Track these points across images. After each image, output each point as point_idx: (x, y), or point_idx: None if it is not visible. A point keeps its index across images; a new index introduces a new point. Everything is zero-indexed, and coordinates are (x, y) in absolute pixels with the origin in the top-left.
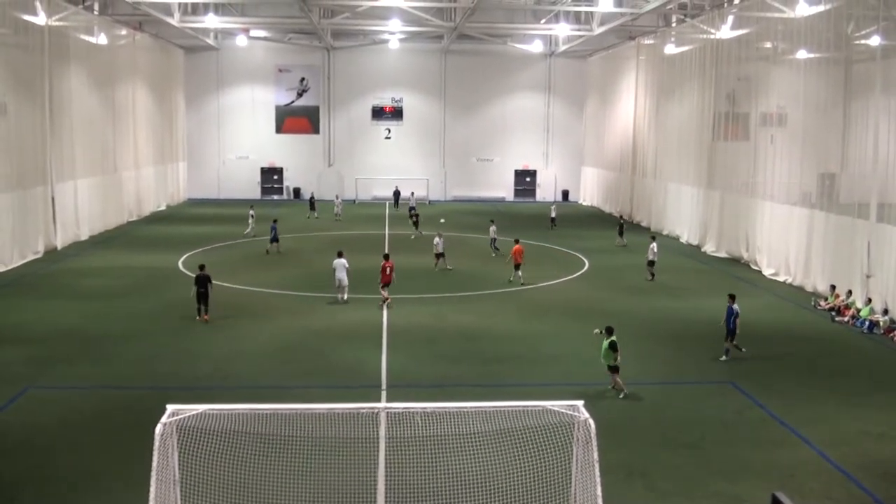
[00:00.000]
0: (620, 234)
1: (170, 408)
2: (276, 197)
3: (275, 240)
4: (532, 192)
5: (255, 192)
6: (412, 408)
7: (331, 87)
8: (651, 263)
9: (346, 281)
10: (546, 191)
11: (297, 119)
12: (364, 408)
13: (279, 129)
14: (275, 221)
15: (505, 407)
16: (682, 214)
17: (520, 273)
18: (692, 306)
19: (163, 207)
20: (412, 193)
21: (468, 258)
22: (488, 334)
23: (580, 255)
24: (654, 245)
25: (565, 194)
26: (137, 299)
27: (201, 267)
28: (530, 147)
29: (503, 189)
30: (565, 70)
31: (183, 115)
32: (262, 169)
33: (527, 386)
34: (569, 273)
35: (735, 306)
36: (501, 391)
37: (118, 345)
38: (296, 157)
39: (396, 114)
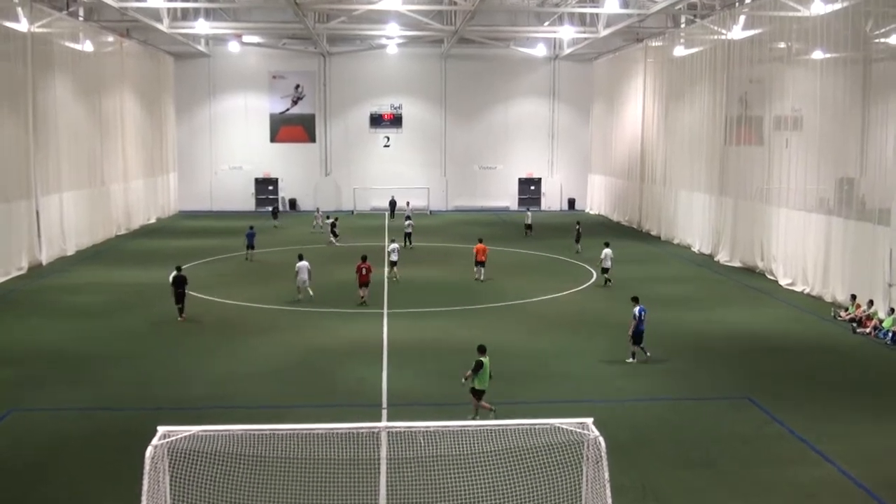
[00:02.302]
0: (577, 240)
1: (161, 429)
2: (270, 208)
3: (250, 246)
4: (537, 201)
5: (248, 204)
6: (414, 427)
7: (327, 94)
8: (605, 270)
9: (308, 282)
10: (552, 199)
11: (292, 127)
12: (364, 427)
13: (274, 138)
14: (251, 227)
15: (511, 425)
16: (694, 222)
17: (482, 270)
18: (705, 318)
19: (153, 220)
20: (408, 203)
21: (471, 271)
22: (494, 349)
23: (587, 266)
24: (607, 251)
25: (571, 203)
26: (127, 317)
27: (178, 268)
28: (535, 154)
29: (507, 198)
30: (570, 74)
31: (173, 125)
32: (257, 180)
33: (534, 403)
34: (576, 285)
35: (640, 308)
36: (508, 409)
37: (107, 365)
38: (291, 167)
39: (395, 121)
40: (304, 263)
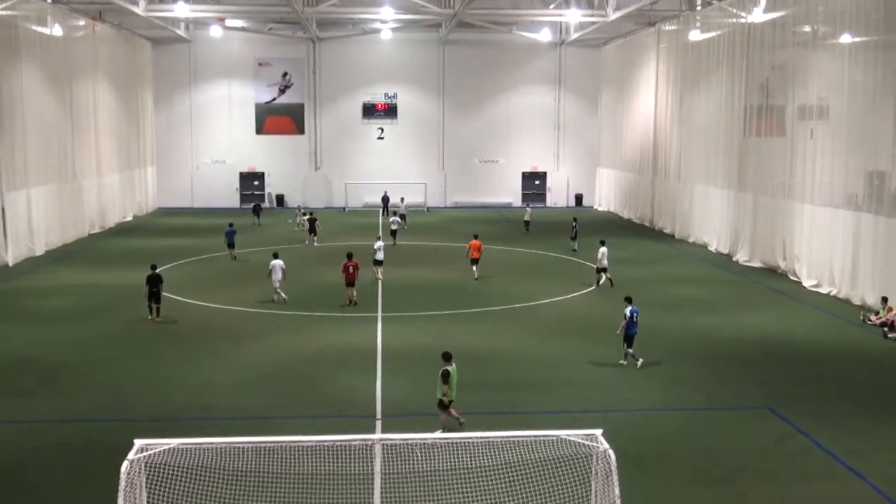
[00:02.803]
0: (573, 238)
1: (138, 443)
2: (265, 204)
3: (231, 245)
4: (542, 197)
5: (233, 200)
6: (411, 439)
7: (317, 82)
8: (602, 270)
9: (281, 282)
10: (558, 195)
11: (279, 118)
12: (357, 440)
13: (260, 130)
14: (231, 225)
15: (515, 437)
16: (711, 220)
17: (475, 268)
18: (723, 322)
19: (129, 218)
20: (402, 199)
21: (483, 271)
22: (497, 356)
23: (594, 267)
24: (603, 249)
25: (579, 199)
26: (100, 322)
27: (153, 267)
28: (539, 147)
29: (510, 194)
30: (577, 61)
31: (151, 115)
32: (242, 174)
33: (539, 413)
34: (583, 287)
35: (632, 309)
36: (511, 420)
37: (78, 373)
38: (279, 161)
39: (390, 111)
40: (278, 262)
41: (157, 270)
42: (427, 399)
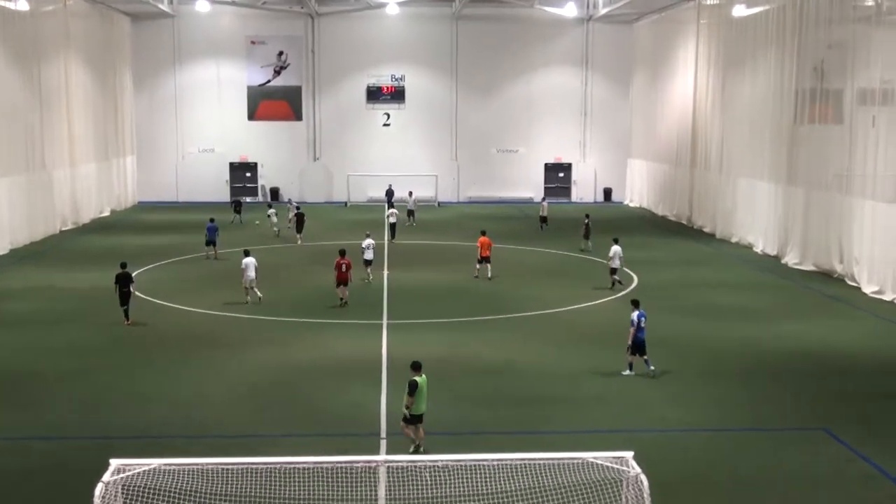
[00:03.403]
0: (586, 236)
1: (114, 463)
2: (248, 199)
3: (211, 242)
4: (566, 191)
5: (222, 194)
6: (419, 461)
7: (316, 62)
8: (613, 272)
9: (255, 280)
10: (584, 189)
11: (274, 103)
12: (360, 461)
13: (252, 116)
14: (212, 220)
15: (537, 460)
16: (757, 217)
17: (484, 266)
18: (771, 333)
19: (106, 213)
20: (410, 193)
21: (497, 274)
22: (516, 369)
23: (627, 269)
24: (616, 248)
25: (607, 193)
26: (73, 328)
27: (122, 265)
28: (564, 135)
29: (530, 188)
30: (607, 39)
31: (131, 99)
32: (232, 165)
33: (562, 433)
34: (611, 292)
35: (639, 313)
36: (532, 440)
37: (47, 385)
38: (273, 150)
39: (397, 95)
40: (250, 259)
41: (128, 269)
42: (439, 416)
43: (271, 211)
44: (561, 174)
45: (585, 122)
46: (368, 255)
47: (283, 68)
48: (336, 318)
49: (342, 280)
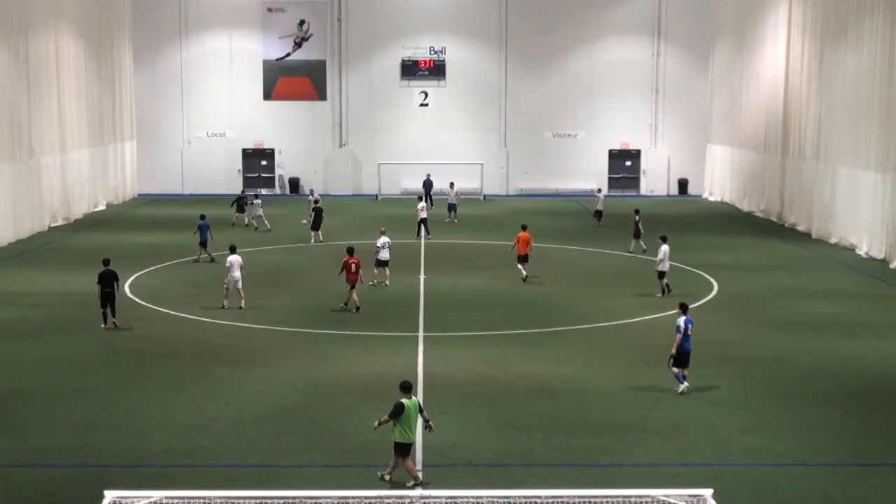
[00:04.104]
0: (636, 235)
1: (109, 495)
2: (263, 191)
3: (203, 243)
4: (634, 183)
5: (234, 185)
6: (460, 498)
7: (343, 33)
8: (661, 275)
9: (240, 283)
10: (655, 180)
11: (294, 80)
12: (391, 497)
13: (269, 95)
14: (202, 218)
15: (598, 497)
16: (861, 214)
17: (522, 268)
18: (877, 350)
19: (101, 207)
20: (451, 185)
21: (547, 279)
22: (572, 390)
23: (705, 275)
24: (665, 248)
25: (683, 185)
26: (64, 339)
27: (106, 262)
28: (632, 117)
29: (592, 178)
30: (683, 4)
31: (130, 76)
32: (245, 152)
33: (629, 466)
34: (689, 300)
35: (686, 318)
36: (592, 474)
37: (36, 405)
38: (293, 135)
39: (436, 71)
40: (236, 258)
41: (111, 266)
42: (482, 444)
43: (257, 201)
44: (628, 163)
45: (657, 101)
46: (384, 254)
47: (304, 40)
48: (363, 330)
49: (352, 282)
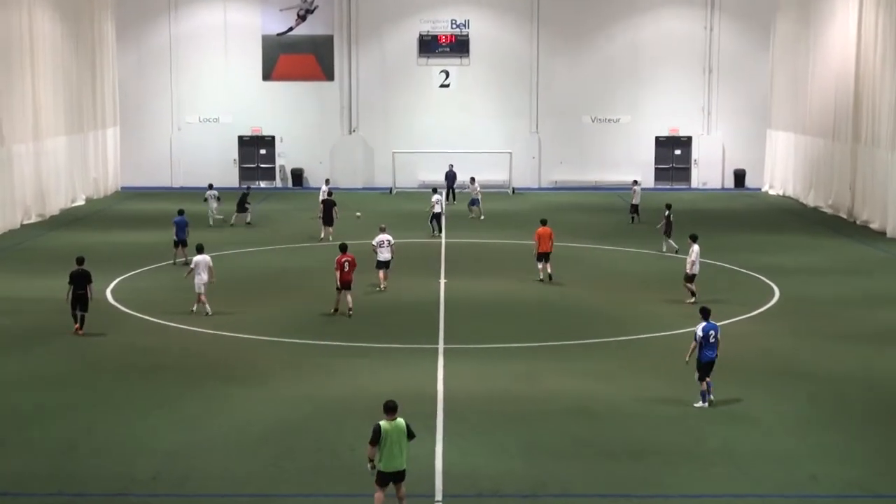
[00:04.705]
0: (667, 232)
1: None
2: (262, 184)
3: (181, 242)
4: (684, 174)
5: (230, 177)
6: None
7: (353, 4)
8: (691, 279)
9: (204, 286)
10: (708, 171)
11: (297, 57)
12: None
13: (269, 75)
14: (180, 213)
15: None
16: None
17: (547, 266)
18: None
19: (80, 203)
20: (472, 179)
21: (580, 283)
22: (613, 410)
23: (764, 279)
24: (696, 247)
25: (739, 177)
26: (38, 352)
27: (79, 260)
28: (681, 99)
29: (636, 169)
30: None
31: (113, 55)
32: (242, 139)
33: (680, 498)
34: (747, 308)
35: (707, 325)
36: None
37: (9, 426)
38: (296, 120)
39: (459, 47)
40: (203, 258)
41: (85, 266)
42: (510, 473)
43: (210, 193)
44: (677, 151)
45: (710, 81)
46: (383, 254)
47: (309, 12)
48: (376, 342)
49: (344, 283)
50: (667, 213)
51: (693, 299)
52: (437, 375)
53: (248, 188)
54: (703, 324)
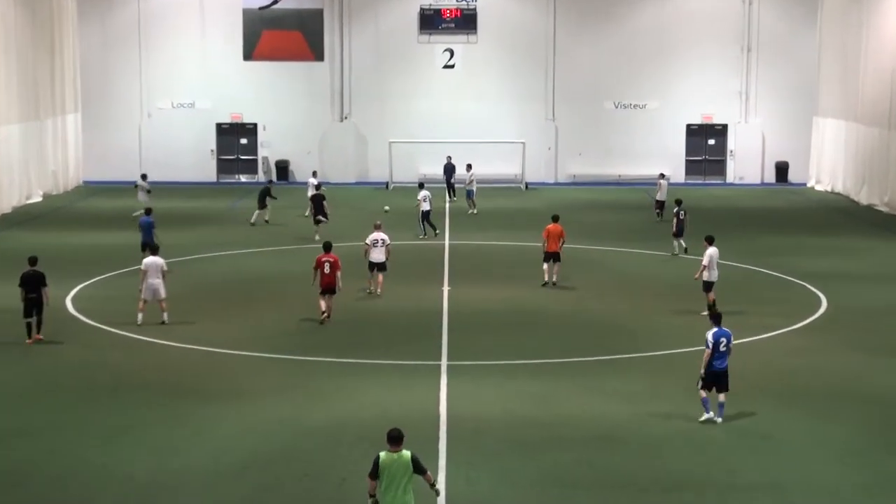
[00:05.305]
0: (678, 232)
1: None
2: (243, 178)
3: (148, 245)
4: (719, 167)
5: (206, 170)
6: None
7: None
8: (708, 286)
9: (162, 292)
10: (746, 164)
11: (282, 35)
12: None
13: (250, 54)
14: (147, 213)
15: None
16: None
17: (555, 267)
18: None
19: (36, 199)
20: (468, 168)
21: (600, 291)
22: (639, 437)
23: (810, 287)
24: (712, 250)
25: (782, 170)
26: None
27: (32, 260)
28: (716, 83)
29: (665, 161)
30: None
31: (74, 32)
32: (221, 127)
33: None
34: (790, 319)
35: (718, 331)
36: None
37: None
38: (281, 106)
39: (465, 22)
40: (153, 260)
41: (38, 267)
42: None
43: (144, 184)
44: (711, 141)
45: (749, 62)
46: (376, 254)
47: None
48: (371, 357)
49: (327, 286)
50: (676, 209)
51: (706, 312)
52: (439, 396)
53: (271, 181)
54: (715, 329)
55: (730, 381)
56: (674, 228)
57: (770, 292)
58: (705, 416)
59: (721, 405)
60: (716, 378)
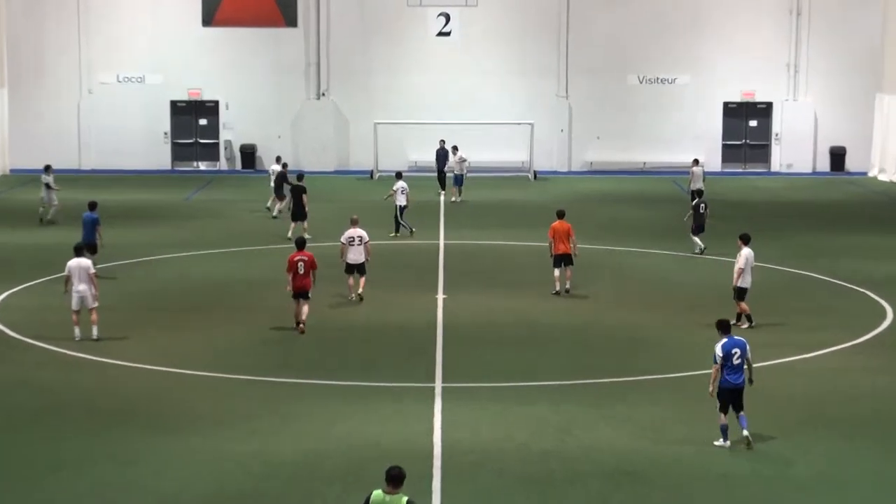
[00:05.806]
0: (697, 228)
1: None
2: (202, 165)
3: (88, 245)
4: (762, 154)
5: (160, 156)
6: None
7: None
8: (742, 294)
9: (90, 299)
10: (794, 149)
11: None
12: None
13: (210, 20)
14: (92, 208)
15: None
16: None
17: (567, 270)
18: None
19: None
20: (454, 150)
21: (620, 300)
22: (665, 471)
23: (873, 295)
24: (746, 251)
25: (837, 157)
26: None
27: None
28: (758, 54)
29: (698, 146)
30: None
31: None
32: (176, 105)
33: None
34: (850, 334)
35: (728, 341)
36: None
37: None
38: (246, 81)
39: None
40: (78, 262)
41: None
42: None
43: (48, 178)
44: (753, 123)
45: (799, 29)
46: (353, 254)
47: None
48: (352, 379)
49: (300, 290)
50: (696, 201)
51: (747, 324)
52: (433, 423)
53: (286, 165)
54: (724, 340)
55: (775, 407)
56: (693, 223)
57: (823, 301)
58: (719, 443)
59: (741, 418)
60: (732, 397)
